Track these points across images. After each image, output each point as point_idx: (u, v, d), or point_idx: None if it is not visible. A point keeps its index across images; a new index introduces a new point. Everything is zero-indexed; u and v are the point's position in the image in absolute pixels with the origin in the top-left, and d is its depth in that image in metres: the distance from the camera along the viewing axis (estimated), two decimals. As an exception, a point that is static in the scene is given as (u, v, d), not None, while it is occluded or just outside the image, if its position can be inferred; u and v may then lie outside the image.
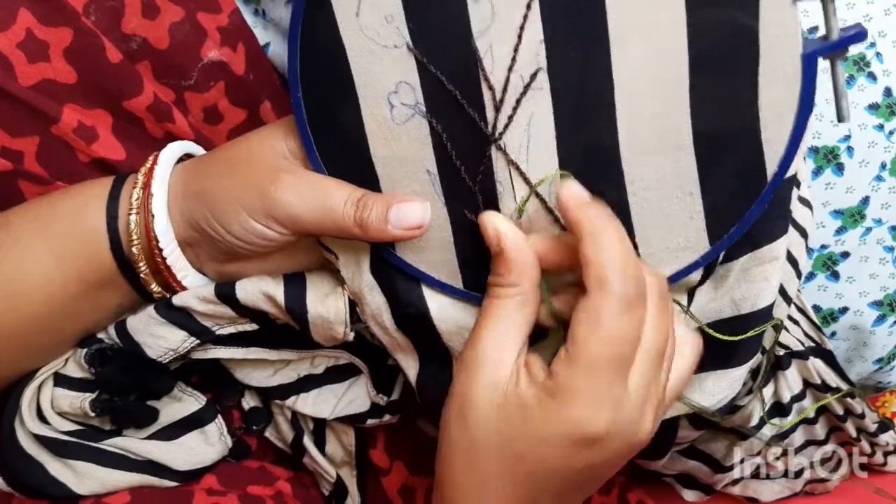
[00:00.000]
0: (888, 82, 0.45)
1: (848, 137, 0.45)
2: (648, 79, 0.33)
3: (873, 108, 0.45)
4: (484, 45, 0.33)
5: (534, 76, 0.33)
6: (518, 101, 0.34)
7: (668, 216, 0.35)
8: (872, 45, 0.45)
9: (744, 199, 0.35)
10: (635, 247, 0.35)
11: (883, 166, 0.46)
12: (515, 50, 0.33)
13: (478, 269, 0.37)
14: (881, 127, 0.45)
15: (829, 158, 0.46)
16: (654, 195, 0.35)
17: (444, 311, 0.38)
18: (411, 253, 0.37)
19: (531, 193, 0.35)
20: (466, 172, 0.35)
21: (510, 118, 0.34)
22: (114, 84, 0.40)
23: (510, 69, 0.33)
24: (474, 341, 0.33)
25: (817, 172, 0.46)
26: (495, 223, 0.34)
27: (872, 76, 0.45)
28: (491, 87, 0.34)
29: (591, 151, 0.34)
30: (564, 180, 0.34)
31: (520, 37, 0.33)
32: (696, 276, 0.38)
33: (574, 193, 0.32)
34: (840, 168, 0.46)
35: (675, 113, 0.33)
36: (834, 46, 0.32)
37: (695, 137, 0.34)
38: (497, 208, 0.36)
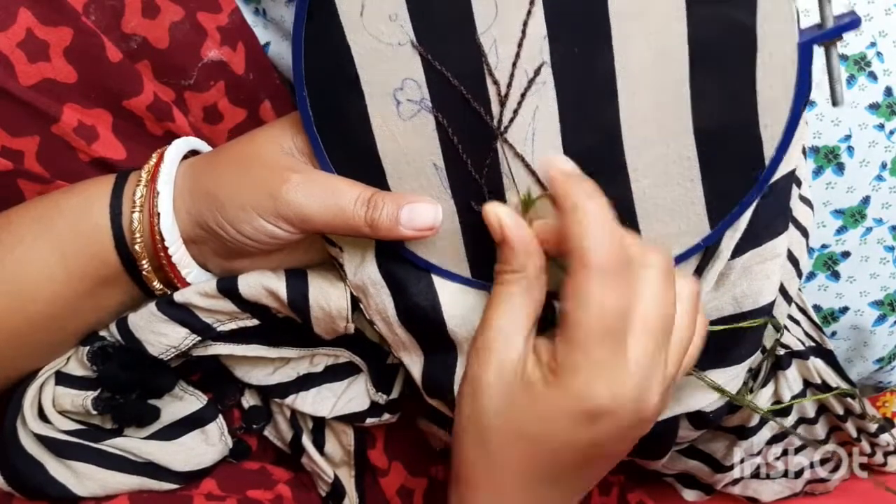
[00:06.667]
0: (889, 82, 0.45)
1: (848, 137, 0.45)
2: (650, 70, 0.33)
3: (874, 107, 0.45)
4: (488, 41, 0.33)
5: (538, 71, 0.34)
6: (523, 96, 0.34)
7: (670, 203, 0.36)
8: (873, 44, 0.45)
9: (743, 183, 0.36)
10: (637, 233, 0.36)
11: (883, 166, 0.46)
12: (519, 45, 0.33)
13: (485, 259, 0.37)
14: (882, 126, 0.45)
15: (829, 158, 0.46)
16: (657, 182, 0.35)
17: (453, 299, 0.38)
18: (420, 245, 0.38)
19: (536, 198, 0.35)
20: (473, 166, 0.36)
21: (515, 112, 0.35)
22: (114, 83, 0.40)
23: (514, 64, 0.34)
24: (484, 327, 0.33)
25: (818, 172, 0.46)
26: (497, 212, 0.34)
27: (873, 76, 0.45)
28: (496, 82, 0.34)
29: (594, 142, 0.35)
30: (555, 156, 0.34)
31: (524, 32, 0.33)
32: (694, 260, 0.38)
33: (562, 168, 0.33)
34: (840, 168, 0.46)
35: (676, 102, 0.34)
36: (829, 34, 0.33)
37: (695, 126, 0.34)
38: (503, 200, 0.36)
